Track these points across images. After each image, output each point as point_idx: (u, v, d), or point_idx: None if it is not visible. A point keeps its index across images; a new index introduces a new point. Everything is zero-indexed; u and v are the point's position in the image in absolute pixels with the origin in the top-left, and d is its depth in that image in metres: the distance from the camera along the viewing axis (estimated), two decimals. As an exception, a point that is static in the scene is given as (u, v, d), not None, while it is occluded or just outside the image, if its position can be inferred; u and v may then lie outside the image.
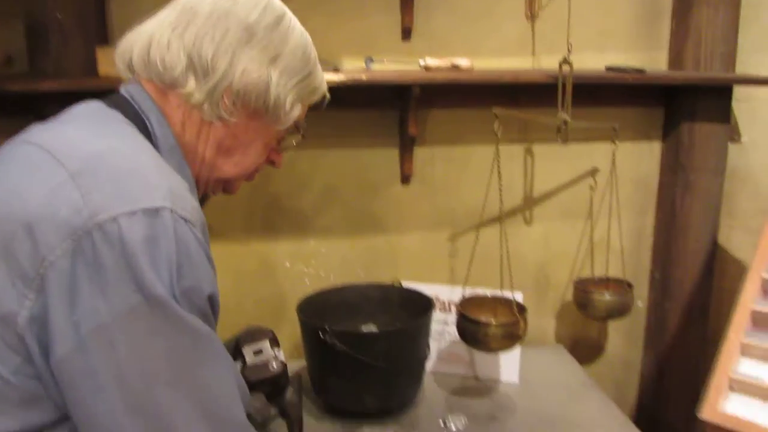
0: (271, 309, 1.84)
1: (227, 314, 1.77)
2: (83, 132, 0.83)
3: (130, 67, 0.93)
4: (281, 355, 1.14)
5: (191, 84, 0.90)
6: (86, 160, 0.76)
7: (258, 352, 1.14)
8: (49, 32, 1.43)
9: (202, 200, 1.11)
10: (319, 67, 1.01)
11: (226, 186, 1.03)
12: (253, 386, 1.10)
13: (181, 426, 0.74)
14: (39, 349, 0.72)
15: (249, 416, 1.08)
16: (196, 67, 0.89)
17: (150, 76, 0.91)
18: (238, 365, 1.16)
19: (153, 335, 0.72)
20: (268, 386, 1.12)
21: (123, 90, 0.93)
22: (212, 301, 0.80)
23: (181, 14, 0.91)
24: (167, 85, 0.91)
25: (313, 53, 0.99)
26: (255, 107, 0.93)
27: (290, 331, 1.82)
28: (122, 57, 0.94)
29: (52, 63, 1.46)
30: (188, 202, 0.79)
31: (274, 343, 1.17)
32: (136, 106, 0.90)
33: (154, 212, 0.73)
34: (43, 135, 0.82)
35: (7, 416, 0.73)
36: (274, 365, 1.13)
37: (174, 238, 0.74)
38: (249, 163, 1.00)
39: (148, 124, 0.89)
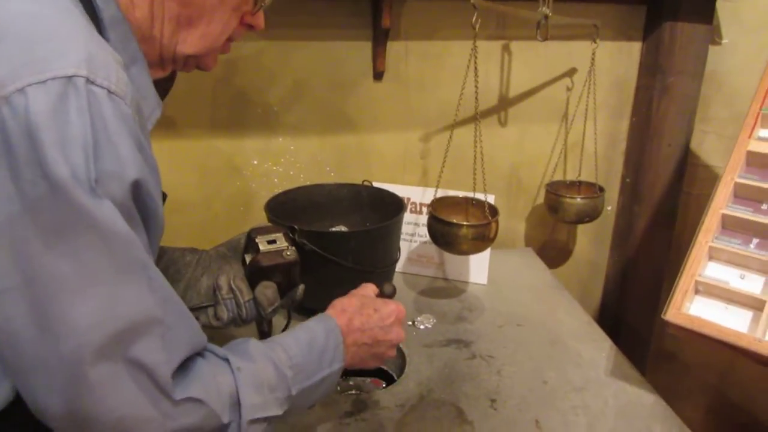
0: (239, 207, 1.80)
1: (194, 211, 1.76)
2: None
3: None
4: (295, 251, 1.11)
5: None
6: None
7: (272, 242, 1.11)
8: None
9: (171, 78, 1.03)
10: None
11: (199, 62, 0.93)
12: (265, 273, 1.08)
13: (85, 339, 0.65)
14: None
15: (257, 303, 1.06)
16: None
17: None
18: (250, 256, 1.11)
19: (59, 232, 0.63)
20: (280, 275, 1.09)
21: None
22: (141, 191, 0.70)
23: None
24: None
25: None
26: None
27: (258, 230, 1.79)
28: None
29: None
30: (113, 72, 0.68)
31: (288, 238, 1.13)
32: None
33: (65, 81, 0.63)
34: None
35: None
36: (288, 253, 1.09)
37: (88, 110, 0.64)
38: (217, 33, 0.88)
39: None
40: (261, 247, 1.09)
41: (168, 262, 1.13)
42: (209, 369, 0.78)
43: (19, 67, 0.63)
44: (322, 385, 0.92)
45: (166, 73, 0.93)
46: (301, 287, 1.14)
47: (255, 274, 1.08)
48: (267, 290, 1.07)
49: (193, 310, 1.08)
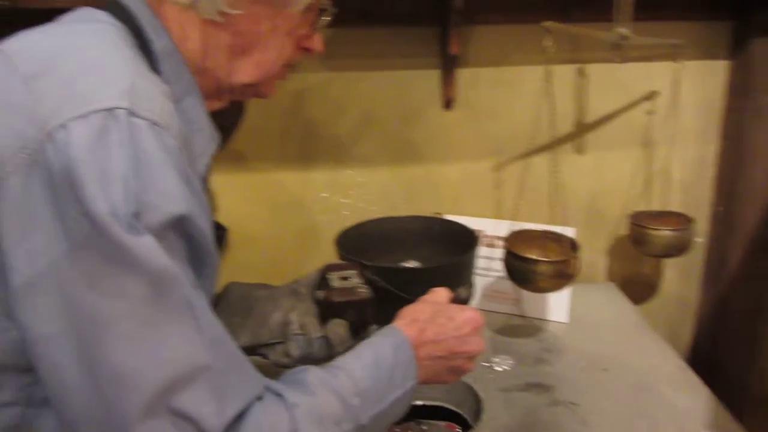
0: (308, 241, 1.77)
1: (263, 245, 1.74)
2: (50, 33, 0.73)
3: None
4: (368, 289, 1.06)
5: None
6: (43, 61, 0.65)
7: (345, 279, 1.07)
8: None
9: (241, 112, 1.01)
10: None
11: (257, 91, 0.90)
12: (337, 310, 1.03)
13: (132, 392, 0.61)
14: (2, 281, 0.63)
15: (328, 341, 1.02)
16: None
17: None
18: (322, 293, 1.07)
19: (101, 271, 0.60)
20: (352, 313, 1.04)
21: None
22: (188, 225, 0.66)
23: None
24: None
25: None
26: None
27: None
28: None
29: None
30: (157, 103, 0.66)
31: (362, 275, 1.09)
32: (130, 11, 0.78)
33: (106, 113, 0.61)
34: (12, 40, 0.72)
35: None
36: (362, 291, 1.05)
37: (129, 142, 0.61)
38: (272, 59, 0.86)
39: (141, 27, 0.78)
40: (334, 284, 1.06)
41: (238, 296, 1.10)
42: (262, 410, 0.71)
43: (62, 102, 0.61)
44: (396, 406, 0.83)
45: (224, 104, 0.90)
46: (374, 327, 1.07)
47: (327, 311, 1.04)
48: (338, 328, 1.02)
49: (262, 347, 1.05)
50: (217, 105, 0.90)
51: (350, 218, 1.70)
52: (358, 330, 1.06)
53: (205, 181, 0.89)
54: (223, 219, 1.58)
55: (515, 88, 1.70)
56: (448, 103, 1.68)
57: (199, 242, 0.69)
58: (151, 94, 0.67)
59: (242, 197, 1.71)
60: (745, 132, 1.74)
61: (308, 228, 1.76)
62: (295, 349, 1.02)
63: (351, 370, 0.80)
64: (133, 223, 0.60)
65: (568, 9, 1.60)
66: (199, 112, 0.82)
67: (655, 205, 1.82)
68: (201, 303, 0.67)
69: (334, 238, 1.48)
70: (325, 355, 1.03)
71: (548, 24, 1.30)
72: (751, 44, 1.70)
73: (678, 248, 1.69)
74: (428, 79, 1.67)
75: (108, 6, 0.79)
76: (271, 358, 1.05)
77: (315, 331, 1.03)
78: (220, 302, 1.09)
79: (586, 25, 1.49)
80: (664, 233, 1.67)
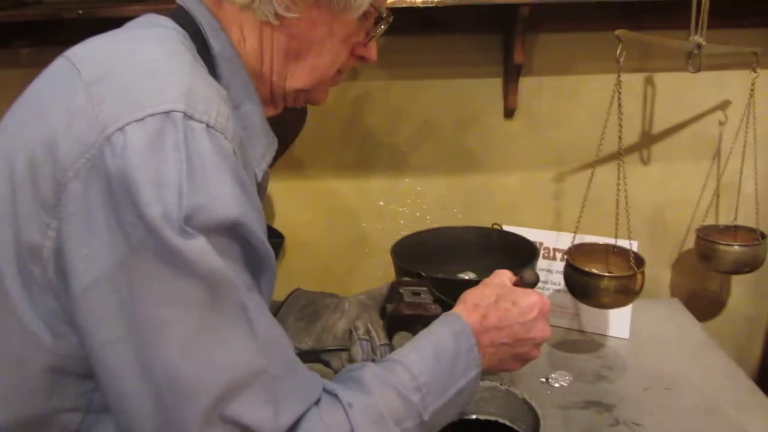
0: (364, 249, 1.77)
1: (319, 252, 1.75)
2: (113, 38, 0.74)
3: None
4: (439, 308, 1.04)
5: None
6: (103, 66, 0.67)
7: (416, 294, 1.06)
8: (137, -47, 1.36)
9: (302, 120, 1.01)
10: None
11: (309, 97, 0.90)
12: (405, 322, 1.01)
13: (190, 400, 0.61)
14: (62, 286, 0.64)
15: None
16: None
17: None
18: (391, 305, 1.05)
19: (157, 276, 0.60)
20: (421, 328, 1.02)
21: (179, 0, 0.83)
22: (243, 230, 0.65)
23: None
24: None
25: None
26: None
27: (384, 271, 1.75)
28: None
29: (138, -13, 1.40)
30: (213, 106, 0.66)
31: (433, 294, 1.07)
32: (191, 15, 0.80)
33: (163, 116, 0.61)
34: (77, 47, 0.74)
35: (57, 390, 0.67)
36: (433, 307, 1.02)
37: (185, 145, 0.61)
38: (326, 65, 0.85)
39: (202, 31, 0.79)
40: (405, 297, 1.04)
41: (305, 302, 1.10)
42: (318, 414, 0.69)
43: (120, 107, 0.62)
44: (459, 398, 0.80)
45: (278, 111, 0.91)
46: None
47: (395, 324, 1.03)
48: (405, 340, 0.99)
49: (325, 352, 1.04)
50: (272, 111, 0.90)
51: (406, 227, 1.69)
52: None
53: (262, 187, 0.89)
54: (279, 225, 1.60)
55: (579, 97, 1.66)
56: (509, 112, 1.65)
57: (255, 247, 0.68)
58: (208, 96, 0.67)
59: (299, 204, 1.72)
60: (824, 144, 1.66)
61: (364, 236, 1.76)
62: (358, 353, 1.01)
63: (409, 363, 0.77)
64: (185, 227, 0.60)
65: (637, 16, 1.55)
66: (257, 118, 0.83)
67: (724, 219, 1.75)
68: (256, 306, 0.67)
69: (390, 247, 1.47)
70: None
71: (620, 32, 1.26)
72: (832, 52, 1.62)
73: (748, 265, 1.62)
74: (490, 87, 1.65)
75: (171, 12, 0.81)
76: (333, 366, 1.04)
77: (380, 337, 1.02)
78: (286, 307, 1.09)
79: (658, 32, 1.44)
80: (733, 249, 1.60)
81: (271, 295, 0.75)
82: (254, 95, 0.83)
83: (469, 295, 0.91)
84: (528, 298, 0.90)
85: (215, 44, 0.79)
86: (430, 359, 0.79)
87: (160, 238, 0.59)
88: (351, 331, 1.03)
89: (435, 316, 0.99)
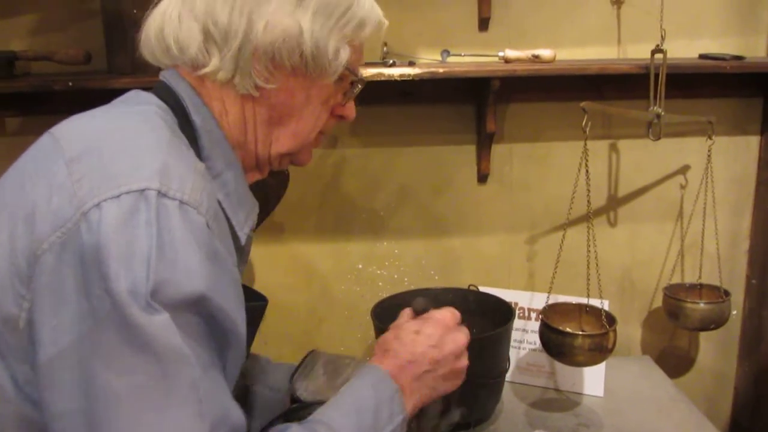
0: (343, 311, 1.79)
1: (299, 315, 1.77)
2: (96, 116, 0.77)
3: (153, 55, 0.84)
4: None
5: (214, 60, 0.79)
6: (85, 143, 0.69)
7: None
8: (126, 28, 1.40)
9: (284, 186, 1.02)
10: None
11: (293, 159, 0.92)
12: None
13: None
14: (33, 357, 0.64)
15: (422, 413, 0.96)
16: (215, 37, 0.79)
17: (174, 61, 0.82)
18: None
19: (117, 350, 0.61)
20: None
21: (161, 75, 0.86)
22: (208, 305, 0.66)
23: None
24: (191, 67, 0.81)
25: None
26: (292, 64, 0.81)
27: (363, 334, 1.77)
28: (146, 45, 0.84)
29: (130, 60, 1.44)
30: (188, 182, 0.68)
31: None
32: (173, 91, 0.82)
33: (137, 194, 0.63)
34: (62, 123, 0.76)
35: None
36: None
37: (156, 222, 0.63)
38: (308, 129, 0.87)
39: (184, 106, 0.81)
40: None
41: (325, 361, 1.10)
42: None
43: (98, 184, 0.64)
44: None
45: (264, 175, 0.93)
46: (458, 411, 1.04)
47: None
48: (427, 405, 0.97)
49: None
50: (258, 176, 0.92)
51: (384, 289, 1.72)
52: (443, 411, 1.02)
53: (245, 251, 0.91)
54: (258, 288, 1.62)
55: (549, 163, 1.75)
56: (483, 178, 1.72)
57: (219, 321, 0.69)
58: (182, 173, 0.68)
59: (278, 268, 1.74)
60: (778, 206, 1.76)
61: (343, 299, 1.78)
62: None
63: (330, 421, 0.79)
64: (150, 302, 0.61)
65: (600, 87, 1.65)
66: (239, 186, 0.85)
67: (690, 278, 1.82)
68: (210, 387, 0.68)
69: (370, 309, 1.50)
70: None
71: (585, 104, 1.34)
72: (781, 120, 1.73)
73: (714, 321, 1.68)
74: (464, 154, 1.72)
75: (155, 88, 0.83)
76: None
77: None
78: (306, 365, 1.09)
79: (620, 103, 1.53)
80: (699, 306, 1.67)
81: (240, 367, 0.76)
82: (236, 164, 0.84)
83: (378, 344, 0.94)
84: (428, 321, 0.94)
85: (197, 119, 0.81)
86: (352, 414, 0.81)
87: (124, 314, 0.60)
88: None
89: None
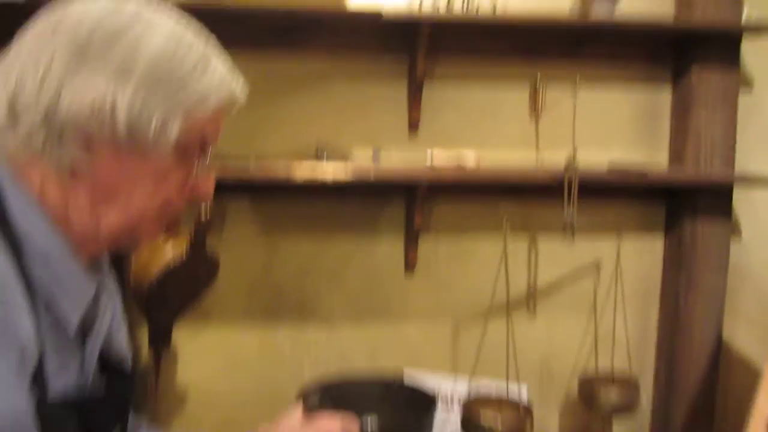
0: (267, 398, 1.79)
1: (221, 402, 1.75)
2: None
3: None
4: None
5: (20, 135, 0.73)
6: None
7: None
8: None
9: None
10: (210, 67, 0.78)
11: (134, 235, 0.83)
12: None
13: None
14: None
15: None
16: (17, 110, 0.72)
17: None
18: None
19: None
20: None
21: None
22: None
23: (13, 47, 0.75)
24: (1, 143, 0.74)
25: (191, 57, 0.77)
26: (108, 140, 0.73)
27: (287, 423, 1.77)
28: None
29: None
30: None
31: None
32: None
33: None
34: None
35: None
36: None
37: None
38: (138, 206, 0.79)
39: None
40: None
41: None
42: None
43: None
44: None
45: (103, 251, 0.86)
46: None
47: None
48: None
49: None
50: (97, 251, 0.84)
51: (311, 374, 1.74)
52: None
53: (83, 338, 0.84)
54: (181, 374, 1.60)
55: (471, 257, 1.84)
56: (410, 268, 1.80)
57: None
58: None
59: (203, 354, 1.74)
60: (681, 302, 1.89)
61: (268, 384, 1.79)
62: None
63: None
64: None
65: (521, 191, 1.77)
66: (67, 269, 0.78)
67: (603, 364, 1.92)
68: None
69: (297, 393, 1.51)
70: None
71: (506, 213, 1.44)
72: (681, 223, 1.89)
73: (625, 408, 1.77)
74: (392, 245, 1.80)
75: None
76: None
77: None
78: None
79: (538, 204, 1.65)
80: (611, 395, 1.76)
81: None
82: (59, 244, 0.77)
83: None
84: (311, 427, 0.95)
85: (10, 193, 0.74)
86: None
87: None
88: None
89: None
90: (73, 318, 0.78)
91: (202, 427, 1.72)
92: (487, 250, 1.79)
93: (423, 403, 1.56)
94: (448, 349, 1.87)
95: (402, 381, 1.67)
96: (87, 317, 0.81)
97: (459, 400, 1.69)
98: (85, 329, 0.81)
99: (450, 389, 1.72)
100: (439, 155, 1.67)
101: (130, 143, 0.74)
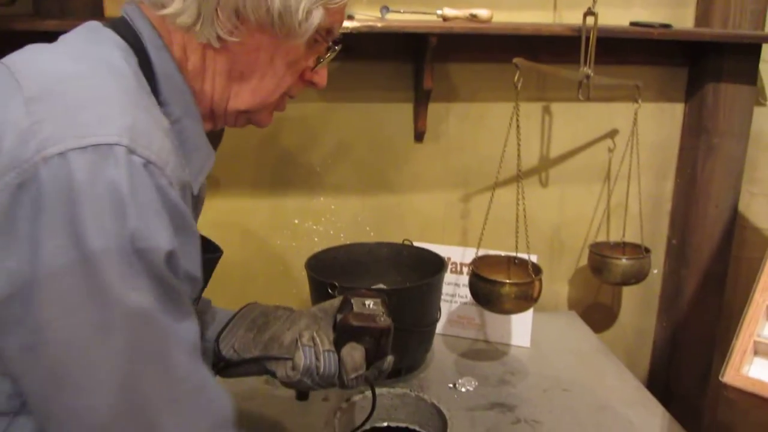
0: (278, 266, 1.80)
1: (233, 270, 1.77)
2: (58, 53, 0.74)
3: None
4: (389, 320, 1.02)
5: (176, 2, 0.77)
6: (46, 84, 0.66)
7: (367, 305, 1.03)
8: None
9: (218, 138, 1.02)
10: None
11: (252, 119, 0.90)
12: (354, 334, 1.00)
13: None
14: None
15: (341, 363, 0.96)
16: None
17: None
18: (340, 315, 1.03)
19: (77, 301, 0.61)
20: (370, 339, 1.00)
21: (122, 10, 0.82)
22: (174, 261, 0.66)
23: None
24: (154, 6, 0.79)
25: None
26: (257, 20, 0.78)
27: (298, 289, 1.79)
28: None
29: (58, 3, 1.40)
30: (155, 141, 0.67)
31: (386, 305, 1.05)
32: (135, 28, 0.79)
33: (106, 149, 0.61)
34: (16, 55, 0.73)
35: None
36: (382, 320, 1.00)
37: (125, 180, 0.62)
38: (269, 89, 0.86)
39: (144, 47, 0.79)
40: (354, 307, 1.03)
41: (258, 314, 1.09)
42: None
43: (62, 130, 0.62)
44: None
45: (217, 128, 0.92)
46: (390, 359, 1.04)
47: (344, 335, 1.01)
48: (354, 351, 0.98)
49: (270, 360, 1.02)
50: (210, 127, 0.90)
51: (320, 245, 1.74)
52: (374, 359, 1.02)
53: (200, 199, 0.91)
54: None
55: (484, 123, 1.79)
56: (419, 136, 1.75)
57: (185, 274, 0.70)
58: (150, 132, 0.67)
59: (213, 223, 1.72)
60: (698, 170, 1.85)
61: (278, 254, 1.79)
62: (301, 360, 0.97)
63: None
64: (119, 261, 0.61)
65: (535, 49, 1.69)
66: (196, 133, 0.83)
67: (614, 237, 1.90)
68: (178, 349, 0.68)
69: (305, 262, 1.52)
70: (333, 372, 0.99)
71: (518, 60, 1.38)
72: (703, 88, 1.82)
73: (635, 276, 1.77)
74: (401, 111, 1.74)
75: (114, 24, 0.80)
76: (278, 374, 1.01)
77: (324, 344, 0.99)
78: (237, 319, 1.08)
79: (554, 65, 1.58)
80: (622, 262, 1.75)
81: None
82: (194, 111, 0.83)
83: None
84: None
85: (157, 61, 0.79)
86: None
87: (96, 270, 0.60)
88: (296, 340, 1.01)
89: (384, 329, 0.99)
90: (200, 179, 0.84)
91: (213, 296, 1.74)
92: (499, 115, 1.73)
93: (432, 264, 1.56)
94: (457, 220, 1.85)
95: (410, 245, 1.67)
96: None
97: (468, 265, 1.68)
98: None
99: (459, 257, 1.72)
100: (449, 14, 1.59)
101: (276, 27, 0.80)
